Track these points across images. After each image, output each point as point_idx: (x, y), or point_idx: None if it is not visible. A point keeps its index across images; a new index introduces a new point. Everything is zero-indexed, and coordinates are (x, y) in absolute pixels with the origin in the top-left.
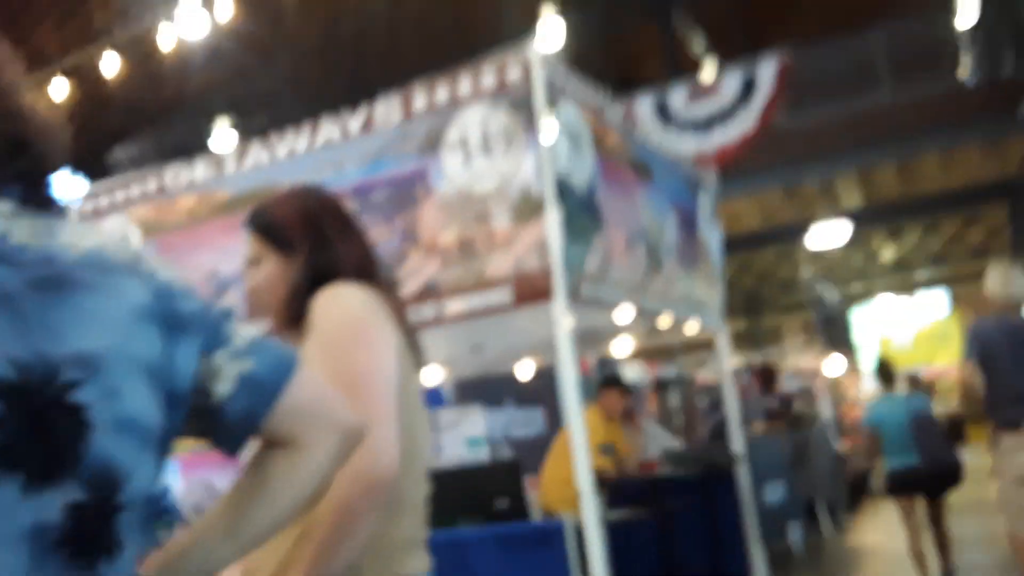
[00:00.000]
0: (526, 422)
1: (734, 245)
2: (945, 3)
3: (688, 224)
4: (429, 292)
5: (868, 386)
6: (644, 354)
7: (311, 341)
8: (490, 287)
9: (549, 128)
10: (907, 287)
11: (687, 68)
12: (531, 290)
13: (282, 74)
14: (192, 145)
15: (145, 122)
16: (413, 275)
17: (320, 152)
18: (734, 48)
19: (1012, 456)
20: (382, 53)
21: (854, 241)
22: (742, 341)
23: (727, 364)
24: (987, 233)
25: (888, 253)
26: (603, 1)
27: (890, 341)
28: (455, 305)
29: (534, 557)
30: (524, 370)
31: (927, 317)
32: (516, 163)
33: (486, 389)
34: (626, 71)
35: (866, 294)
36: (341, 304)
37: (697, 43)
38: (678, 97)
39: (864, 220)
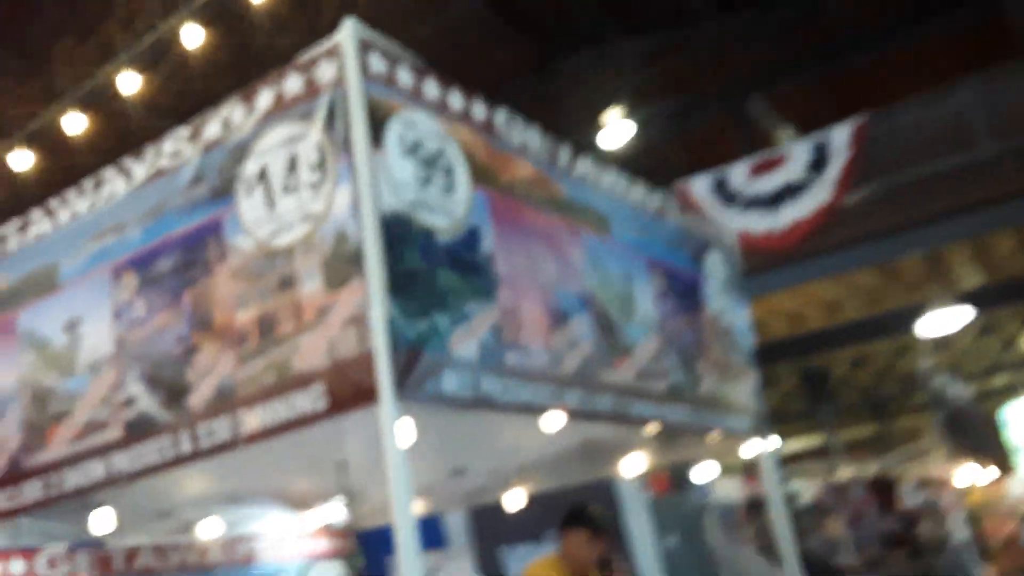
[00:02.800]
0: None
1: (836, 338)
2: None
3: (684, 293)
4: (223, 401)
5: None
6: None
7: None
8: (296, 387)
9: (371, 141)
10: None
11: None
12: (351, 389)
13: None
14: None
15: None
16: (206, 377)
17: (103, 213)
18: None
19: None
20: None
21: (984, 326)
22: (867, 448)
23: (775, 486)
24: None
25: None
26: (678, 93)
27: None
28: (252, 418)
29: None
30: (515, 499)
31: None
32: (328, 199)
33: (523, 519)
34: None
35: (1011, 388)
36: None
37: (783, 132)
38: (738, 173)
39: (987, 300)
